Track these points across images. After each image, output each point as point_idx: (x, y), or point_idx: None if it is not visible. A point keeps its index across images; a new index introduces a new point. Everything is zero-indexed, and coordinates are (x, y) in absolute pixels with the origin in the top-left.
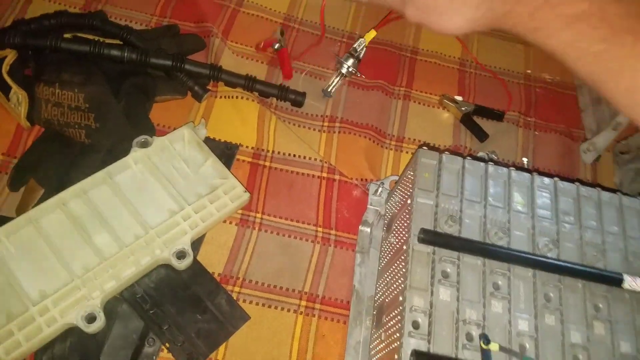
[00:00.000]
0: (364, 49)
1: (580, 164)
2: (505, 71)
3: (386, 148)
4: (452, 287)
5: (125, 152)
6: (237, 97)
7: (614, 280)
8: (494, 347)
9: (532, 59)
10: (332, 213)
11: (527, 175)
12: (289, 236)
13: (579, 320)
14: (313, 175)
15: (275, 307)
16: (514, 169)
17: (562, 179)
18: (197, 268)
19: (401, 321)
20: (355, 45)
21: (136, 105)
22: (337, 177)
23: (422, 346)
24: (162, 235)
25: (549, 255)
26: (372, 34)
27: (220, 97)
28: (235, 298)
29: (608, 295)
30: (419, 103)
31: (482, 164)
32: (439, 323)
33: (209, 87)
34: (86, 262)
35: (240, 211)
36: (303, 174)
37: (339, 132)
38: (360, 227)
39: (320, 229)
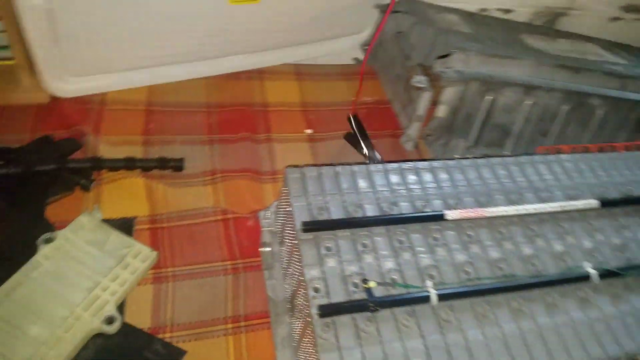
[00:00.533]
0: None
1: (407, 154)
2: (335, 103)
3: (264, 183)
4: (335, 255)
5: (33, 252)
6: (122, 178)
7: (439, 217)
8: (372, 284)
9: (355, 90)
10: (234, 246)
11: (364, 166)
12: (203, 277)
13: (425, 250)
14: (209, 221)
15: (207, 338)
16: (355, 164)
17: (390, 162)
18: (127, 329)
19: (306, 292)
20: None
21: (31, 210)
22: (230, 215)
23: (324, 302)
24: (88, 309)
25: (392, 213)
26: None
27: (107, 182)
28: (169, 342)
29: (439, 228)
30: (280, 142)
31: (332, 167)
32: (332, 283)
33: (94, 178)
34: (26, 354)
35: (152, 271)
36: (201, 223)
37: (222, 180)
38: (261, 249)
39: (228, 262)
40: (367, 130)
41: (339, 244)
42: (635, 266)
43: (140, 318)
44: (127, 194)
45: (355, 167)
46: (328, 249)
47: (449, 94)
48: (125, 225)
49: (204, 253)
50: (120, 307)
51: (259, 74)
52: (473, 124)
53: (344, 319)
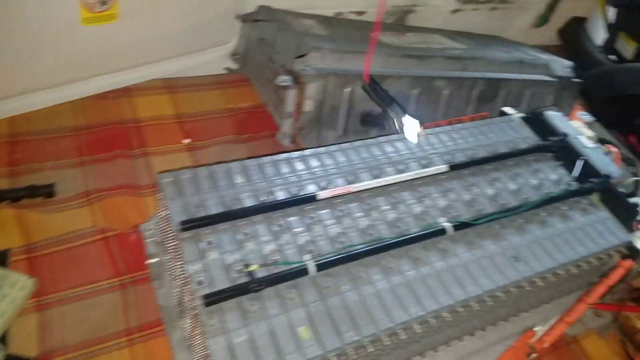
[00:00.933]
0: None
1: (287, 150)
2: (212, 111)
3: (145, 196)
4: (216, 248)
5: None
6: None
7: (312, 198)
8: (254, 267)
9: (231, 98)
10: (118, 263)
11: (238, 162)
12: (89, 297)
13: (303, 229)
14: (89, 242)
15: (102, 354)
16: (231, 162)
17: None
18: (13, 358)
19: (190, 287)
20: None
21: None
22: (110, 233)
23: (208, 292)
24: None
25: (269, 201)
26: None
27: None
28: None
29: (314, 208)
30: (158, 155)
31: (207, 167)
32: (215, 273)
33: None
34: None
35: (34, 300)
36: (80, 245)
37: (98, 200)
38: (147, 262)
39: (115, 280)
40: (247, 133)
41: (219, 236)
42: (484, 216)
43: (27, 347)
44: None
45: (231, 165)
46: (209, 242)
47: (312, 89)
48: (0, 259)
49: (88, 274)
50: (4, 339)
51: (126, 92)
52: (339, 115)
53: (230, 304)
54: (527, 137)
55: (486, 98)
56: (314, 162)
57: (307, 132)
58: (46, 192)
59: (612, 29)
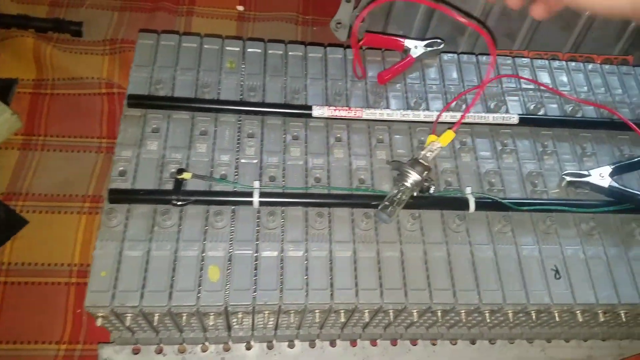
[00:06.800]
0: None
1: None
2: None
3: None
4: (160, 138)
5: None
6: (12, 37)
7: (306, 113)
8: (187, 175)
9: None
10: (116, 123)
11: (240, 42)
12: (73, 151)
13: (277, 148)
14: (95, 94)
15: (59, 212)
16: (232, 39)
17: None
18: None
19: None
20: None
21: None
22: (116, 90)
23: (121, 187)
24: None
25: (252, 101)
26: (451, 135)
27: None
28: (19, 211)
29: (302, 124)
30: (202, 16)
31: (198, 37)
32: (144, 167)
33: None
34: None
35: (21, 137)
36: (85, 94)
37: (120, 51)
38: None
39: (104, 140)
40: (311, 15)
41: (170, 125)
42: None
43: None
44: (14, 54)
45: (228, 43)
46: (155, 130)
47: None
48: (5, 86)
49: (82, 127)
50: None
51: None
52: (417, 13)
53: (142, 209)
54: None
55: None
56: (332, 70)
57: (366, 26)
58: (74, 29)
59: None
